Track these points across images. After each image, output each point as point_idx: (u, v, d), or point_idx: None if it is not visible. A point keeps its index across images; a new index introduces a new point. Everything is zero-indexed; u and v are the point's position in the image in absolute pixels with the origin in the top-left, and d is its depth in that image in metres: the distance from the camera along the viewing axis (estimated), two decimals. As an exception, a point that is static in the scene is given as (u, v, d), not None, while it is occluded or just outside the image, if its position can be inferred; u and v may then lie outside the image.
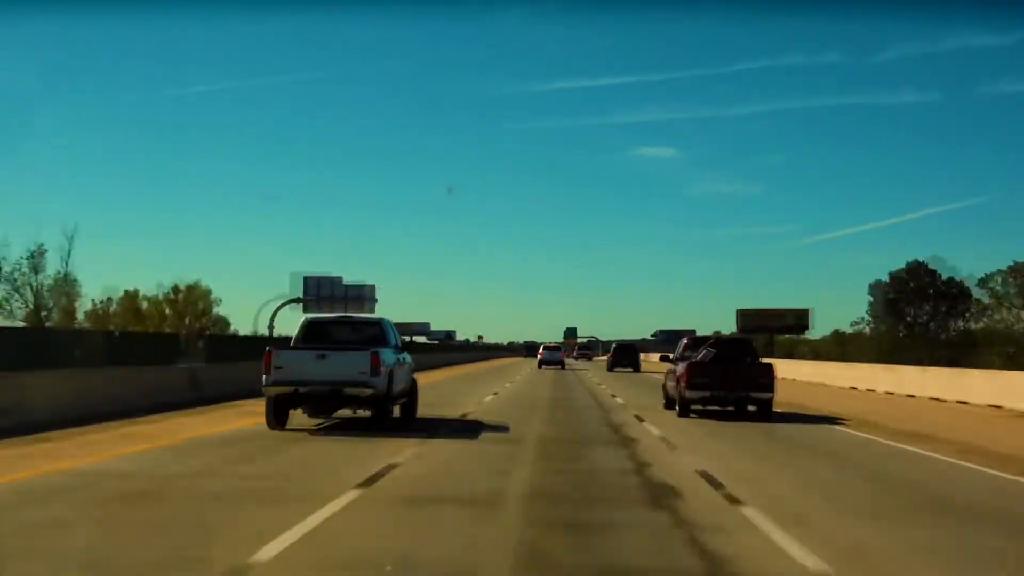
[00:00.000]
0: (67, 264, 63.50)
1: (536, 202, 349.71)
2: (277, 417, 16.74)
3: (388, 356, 17.01)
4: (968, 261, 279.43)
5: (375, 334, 17.93)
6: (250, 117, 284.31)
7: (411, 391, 19.11)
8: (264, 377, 16.38)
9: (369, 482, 10.60)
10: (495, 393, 30.39)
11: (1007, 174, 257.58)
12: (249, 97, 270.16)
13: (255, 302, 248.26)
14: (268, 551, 7.11)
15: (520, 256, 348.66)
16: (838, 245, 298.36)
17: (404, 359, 18.68)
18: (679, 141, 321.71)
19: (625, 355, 60.78)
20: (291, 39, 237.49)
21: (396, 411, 18.17)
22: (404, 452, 13.45)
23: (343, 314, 30.32)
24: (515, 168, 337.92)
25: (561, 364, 66.53)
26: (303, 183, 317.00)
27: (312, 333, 18.02)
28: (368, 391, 16.21)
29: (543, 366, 64.23)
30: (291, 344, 18.18)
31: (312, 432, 16.58)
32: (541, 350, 70.31)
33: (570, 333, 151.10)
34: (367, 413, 17.31)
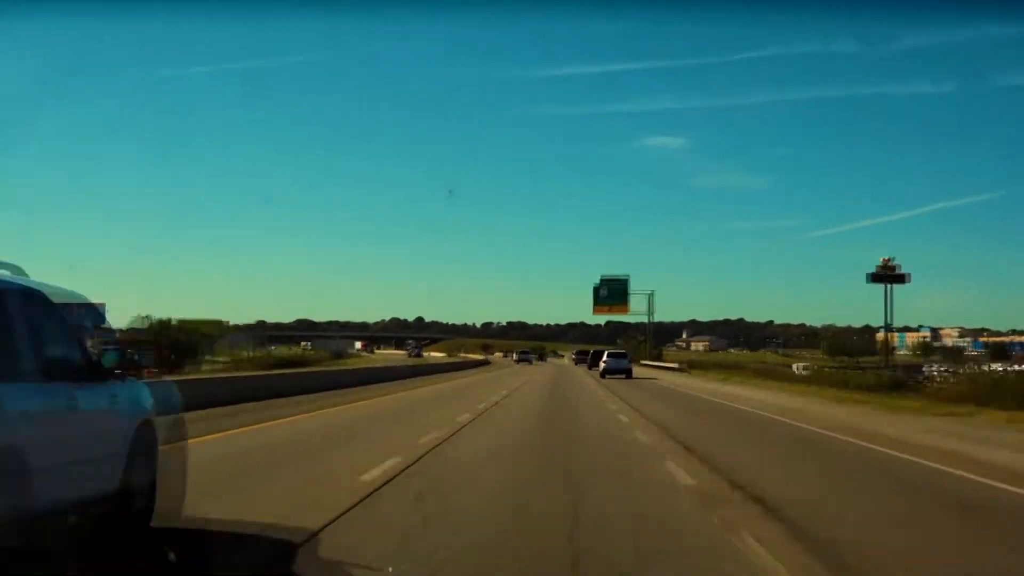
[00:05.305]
0: None
1: (538, 190, 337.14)
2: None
3: None
4: (980, 256, 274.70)
5: None
6: (235, 103, 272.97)
7: None
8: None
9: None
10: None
11: (1022, 168, 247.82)
12: (240, 82, 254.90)
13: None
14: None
15: (519, 246, 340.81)
16: (846, 239, 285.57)
17: None
18: (687, 131, 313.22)
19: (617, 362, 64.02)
20: (290, 21, 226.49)
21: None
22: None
23: None
24: (518, 155, 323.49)
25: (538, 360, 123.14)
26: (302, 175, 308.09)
27: None
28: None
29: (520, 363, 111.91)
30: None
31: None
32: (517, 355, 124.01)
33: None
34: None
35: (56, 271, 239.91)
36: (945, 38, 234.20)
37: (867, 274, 72.13)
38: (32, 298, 6.88)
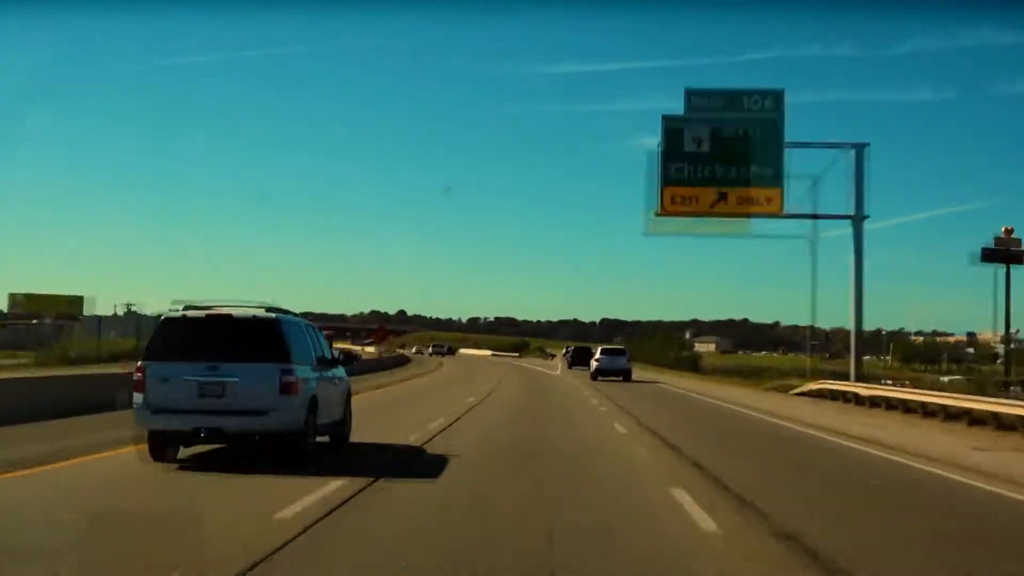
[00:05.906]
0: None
1: (533, 187, 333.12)
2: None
3: None
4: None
5: None
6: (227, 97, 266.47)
7: None
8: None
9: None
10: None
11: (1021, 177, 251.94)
12: (227, 73, 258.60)
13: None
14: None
15: (512, 245, 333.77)
16: (847, 240, 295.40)
17: None
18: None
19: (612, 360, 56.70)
20: (285, 15, 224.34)
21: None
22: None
23: None
24: (513, 152, 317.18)
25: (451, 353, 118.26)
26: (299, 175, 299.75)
27: None
28: None
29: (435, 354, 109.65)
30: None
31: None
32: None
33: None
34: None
35: (53, 266, 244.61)
36: (946, 44, 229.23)
37: (982, 248, 49.38)
38: (304, 323, 15.62)
